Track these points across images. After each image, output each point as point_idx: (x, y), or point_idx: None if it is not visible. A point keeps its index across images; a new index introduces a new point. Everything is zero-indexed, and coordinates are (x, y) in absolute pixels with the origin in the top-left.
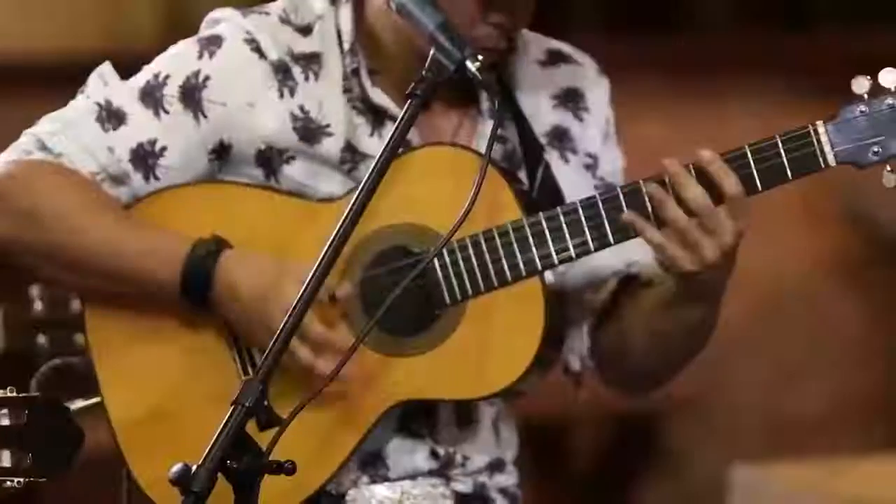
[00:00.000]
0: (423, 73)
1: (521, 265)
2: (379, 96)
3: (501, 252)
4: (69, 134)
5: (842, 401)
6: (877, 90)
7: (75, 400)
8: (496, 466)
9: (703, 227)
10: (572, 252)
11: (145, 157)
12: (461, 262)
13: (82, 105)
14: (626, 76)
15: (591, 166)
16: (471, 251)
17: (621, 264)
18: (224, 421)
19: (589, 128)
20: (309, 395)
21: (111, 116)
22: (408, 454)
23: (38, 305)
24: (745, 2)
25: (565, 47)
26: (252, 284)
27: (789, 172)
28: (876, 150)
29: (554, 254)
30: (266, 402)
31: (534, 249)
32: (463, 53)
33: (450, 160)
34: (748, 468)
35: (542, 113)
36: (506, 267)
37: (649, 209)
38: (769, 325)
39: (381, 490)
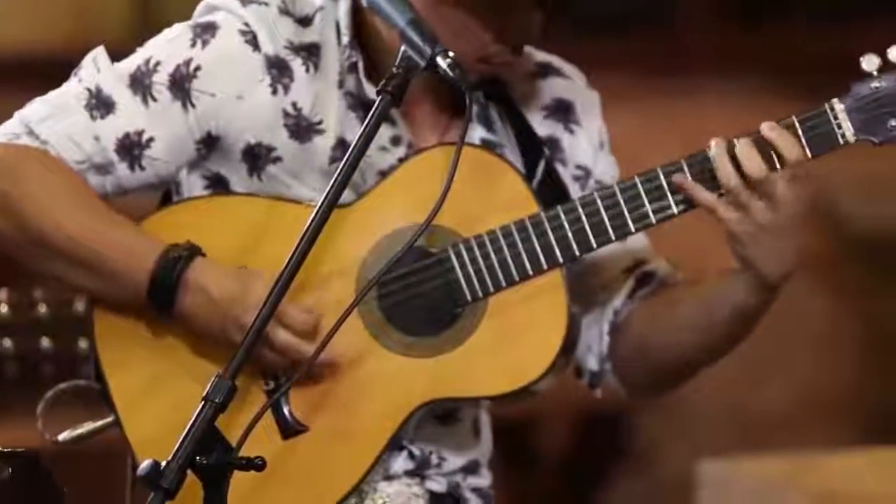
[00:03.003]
0: (394, 69)
1: (542, 258)
2: (372, 91)
3: (521, 247)
4: (57, 120)
5: (809, 397)
6: (887, 66)
7: (84, 423)
8: (471, 468)
9: (758, 191)
10: (593, 242)
11: (131, 148)
12: (480, 259)
13: (74, 90)
14: (597, 73)
15: (581, 178)
16: (489, 247)
17: (630, 261)
18: (193, 417)
19: (580, 140)
20: (292, 378)
21: (100, 104)
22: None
23: (42, 308)
24: None
25: (555, 60)
26: (223, 287)
27: (809, 152)
28: (893, 123)
29: (574, 245)
30: (288, 411)
31: (553, 241)
32: (434, 49)
33: (467, 160)
34: (716, 464)
35: (534, 124)
36: (526, 261)
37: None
38: None
39: None
